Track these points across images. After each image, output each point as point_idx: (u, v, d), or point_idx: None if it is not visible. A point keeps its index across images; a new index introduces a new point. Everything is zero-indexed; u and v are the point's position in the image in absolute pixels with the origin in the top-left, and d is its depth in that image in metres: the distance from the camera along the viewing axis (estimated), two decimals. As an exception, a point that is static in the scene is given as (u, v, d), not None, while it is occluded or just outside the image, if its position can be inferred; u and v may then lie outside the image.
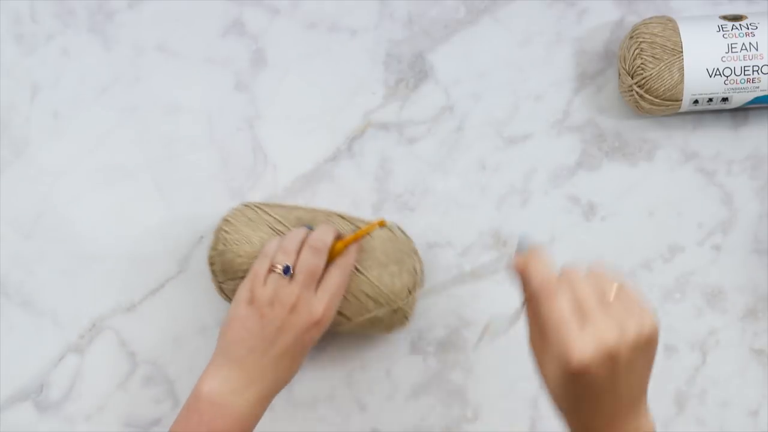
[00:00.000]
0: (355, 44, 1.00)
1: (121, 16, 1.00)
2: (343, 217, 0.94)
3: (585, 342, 0.67)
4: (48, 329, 0.98)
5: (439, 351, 0.98)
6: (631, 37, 0.96)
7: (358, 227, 0.93)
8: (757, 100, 0.96)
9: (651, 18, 0.97)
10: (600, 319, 0.68)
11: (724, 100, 0.95)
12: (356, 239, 0.90)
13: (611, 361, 0.68)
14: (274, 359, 0.85)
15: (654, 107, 0.96)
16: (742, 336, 0.98)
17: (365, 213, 0.98)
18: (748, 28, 0.95)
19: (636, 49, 0.95)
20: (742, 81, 0.94)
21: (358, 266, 0.90)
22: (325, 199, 0.99)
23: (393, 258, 0.92)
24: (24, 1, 1.00)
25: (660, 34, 0.95)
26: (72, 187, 0.99)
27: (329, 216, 0.94)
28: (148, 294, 0.98)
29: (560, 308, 0.69)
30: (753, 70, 0.94)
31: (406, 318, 0.94)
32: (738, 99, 0.95)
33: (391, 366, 0.98)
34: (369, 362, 0.98)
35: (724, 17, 0.96)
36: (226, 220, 0.93)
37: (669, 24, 0.95)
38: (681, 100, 0.95)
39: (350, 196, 0.99)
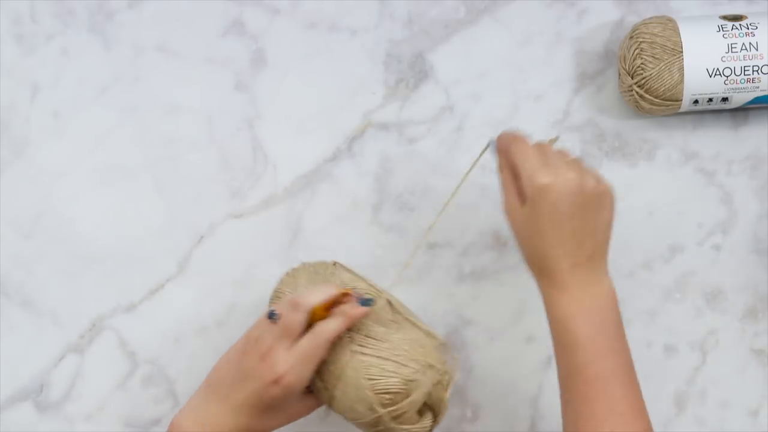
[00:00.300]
0: (355, 44, 1.00)
1: (121, 16, 1.00)
2: (391, 303, 0.87)
3: (551, 169, 0.78)
4: (48, 329, 0.98)
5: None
6: (631, 37, 0.96)
7: (402, 323, 0.87)
8: (757, 100, 0.96)
9: (651, 18, 0.96)
10: (563, 167, 0.79)
11: (724, 100, 0.95)
12: (333, 305, 0.83)
13: (578, 191, 0.78)
14: (232, 407, 0.83)
15: (654, 107, 0.96)
16: (742, 336, 0.98)
17: (365, 213, 0.98)
18: (748, 28, 0.95)
19: (636, 49, 0.95)
20: (742, 81, 0.94)
21: (359, 347, 0.84)
22: (325, 199, 0.99)
23: (398, 359, 0.83)
24: (24, 1, 1.00)
25: (660, 34, 0.95)
26: (72, 187, 0.99)
27: (382, 297, 0.88)
28: (148, 294, 0.98)
29: (530, 151, 0.80)
30: (753, 70, 0.94)
31: None
32: (738, 99, 0.95)
33: (391, 366, 0.98)
34: (369, 362, 0.98)
35: (724, 17, 0.96)
36: (296, 267, 0.92)
37: (669, 24, 0.95)
38: (681, 100, 0.95)
39: (350, 196, 0.99)
